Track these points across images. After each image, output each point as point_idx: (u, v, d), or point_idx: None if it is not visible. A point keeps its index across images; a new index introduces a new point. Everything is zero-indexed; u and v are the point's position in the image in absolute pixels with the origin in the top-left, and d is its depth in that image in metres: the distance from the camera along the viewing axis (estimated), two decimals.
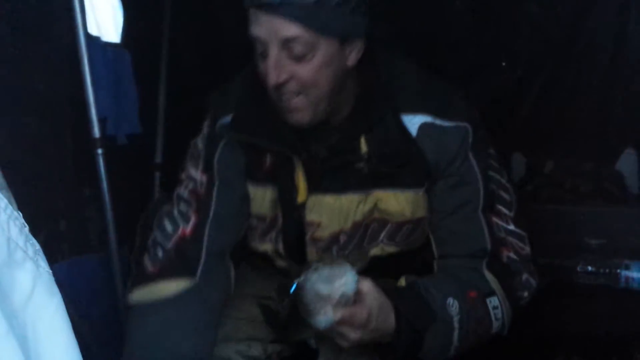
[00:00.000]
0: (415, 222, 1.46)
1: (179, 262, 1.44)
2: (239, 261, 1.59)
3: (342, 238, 1.47)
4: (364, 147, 1.40)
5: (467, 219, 1.42)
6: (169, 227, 1.48)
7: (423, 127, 1.38)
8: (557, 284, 2.25)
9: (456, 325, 1.33)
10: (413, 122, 1.39)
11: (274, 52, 1.28)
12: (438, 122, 1.38)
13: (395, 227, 1.46)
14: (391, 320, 1.27)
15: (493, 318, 1.37)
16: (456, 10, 2.74)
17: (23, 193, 0.85)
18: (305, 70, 1.30)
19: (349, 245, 1.49)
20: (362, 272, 1.37)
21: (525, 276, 1.44)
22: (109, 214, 1.99)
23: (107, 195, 1.98)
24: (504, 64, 2.65)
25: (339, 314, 1.22)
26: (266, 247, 1.54)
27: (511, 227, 1.44)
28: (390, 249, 1.48)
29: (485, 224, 1.42)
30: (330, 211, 1.45)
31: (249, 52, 1.44)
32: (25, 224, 0.71)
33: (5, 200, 0.69)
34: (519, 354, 2.13)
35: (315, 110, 1.35)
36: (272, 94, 1.33)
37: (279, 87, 1.30)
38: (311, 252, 1.50)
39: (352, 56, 1.35)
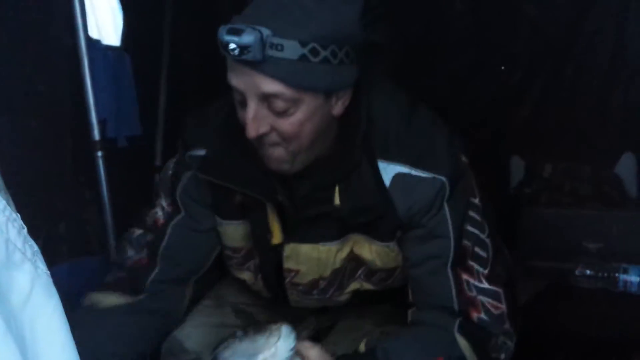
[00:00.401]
0: (388, 271, 1.43)
1: (128, 282, 1.47)
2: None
3: (322, 284, 1.45)
4: (337, 199, 1.33)
5: (435, 273, 1.34)
6: (130, 252, 1.51)
7: (396, 178, 1.31)
8: (556, 287, 2.25)
9: None
10: (387, 171, 1.32)
11: (253, 105, 1.21)
12: (414, 172, 1.31)
13: (369, 271, 1.43)
14: None
15: None
16: (456, 12, 2.75)
17: (23, 195, 0.86)
18: (286, 124, 1.23)
19: (330, 290, 1.47)
20: (343, 305, 1.47)
21: (501, 338, 1.36)
22: (109, 217, 1.99)
23: (106, 197, 1.99)
24: (503, 67, 2.66)
25: None
26: (245, 276, 1.52)
27: (484, 284, 1.35)
28: (368, 286, 1.45)
29: (452, 281, 1.34)
30: (308, 260, 1.42)
31: None
32: (24, 226, 0.72)
33: (4, 202, 0.70)
34: (517, 357, 2.13)
35: (295, 159, 1.29)
36: (251, 141, 1.26)
37: (258, 138, 1.24)
38: (292, 294, 1.49)
39: (338, 106, 1.28)
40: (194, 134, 1.44)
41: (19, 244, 0.69)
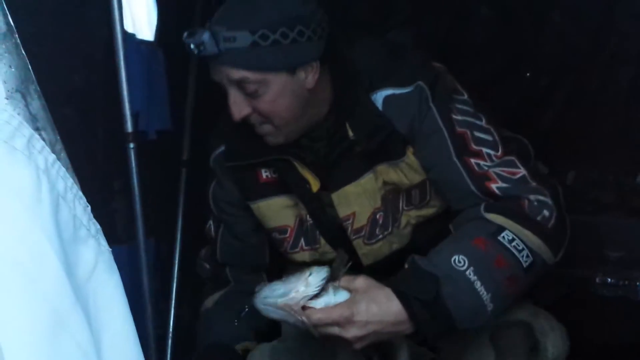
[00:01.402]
0: (418, 186, 1.54)
1: (214, 285, 1.72)
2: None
3: (379, 217, 1.55)
4: (350, 133, 1.50)
5: (445, 167, 1.47)
6: (205, 266, 1.76)
7: (386, 101, 1.49)
8: (576, 295, 2.25)
9: (472, 277, 1.29)
10: (377, 98, 1.50)
11: (230, 92, 1.43)
12: (397, 91, 1.49)
13: (406, 193, 1.54)
14: (394, 306, 1.25)
15: (516, 253, 1.32)
16: (481, 18, 2.76)
17: None
18: (262, 104, 1.43)
19: (388, 222, 1.55)
20: (406, 249, 1.52)
21: (532, 197, 1.39)
22: (138, 207, 2.02)
23: (137, 188, 2.02)
24: (528, 73, 2.66)
25: (314, 317, 1.22)
26: (304, 257, 1.61)
27: (495, 161, 1.44)
28: (414, 212, 1.55)
29: (462, 168, 1.44)
30: (357, 197, 1.53)
31: None
32: (88, 204, 0.75)
33: (71, 180, 0.73)
34: None
35: (286, 132, 1.50)
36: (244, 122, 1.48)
37: (244, 120, 1.46)
38: (360, 248, 1.56)
39: (309, 79, 1.46)
40: (211, 138, 1.69)
41: (85, 221, 0.72)
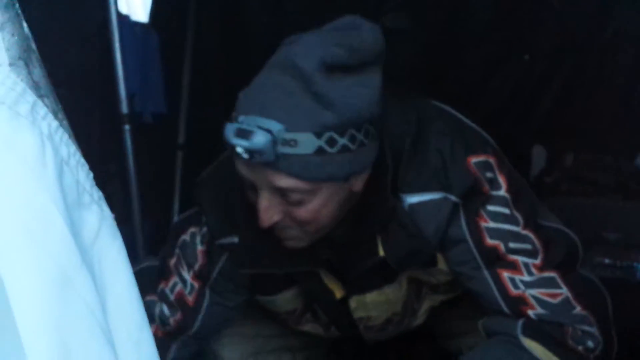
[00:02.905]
0: (447, 285, 1.39)
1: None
2: None
3: (396, 318, 1.45)
4: (381, 250, 1.26)
5: (472, 279, 1.26)
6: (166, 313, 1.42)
7: (411, 207, 1.23)
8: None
9: None
10: (407, 202, 1.23)
11: (265, 196, 1.12)
12: (424, 197, 1.22)
13: (433, 286, 1.41)
14: None
15: None
16: (480, 2, 2.75)
17: None
18: (302, 213, 1.13)
19: (404, 320, 1.45)
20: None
21: (577, 327, 1.19)
22: (134, 189, 2.01)
23: (132, 170, 2.01)
24: (526, 56, 2.66)
25: None
26: (308, 328, 1.51)
27: (534, 276, 1.21)
28: (439, 298, 1.43)
29: (492, 283, 1.23)
30: (378, 305, 1.39)
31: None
32: (91, 172, 0.74)
33: (74, 147, 0.72)
34: None
35: (312, 237, 1.21)
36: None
37: (276, 227, 1.16)
38: (367, 334, 1.49)
39: (358, 183, 1.17)
40: (218, 225, 1.33)
41: (88, 187, 0.71)
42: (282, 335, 1.59)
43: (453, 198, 1.21)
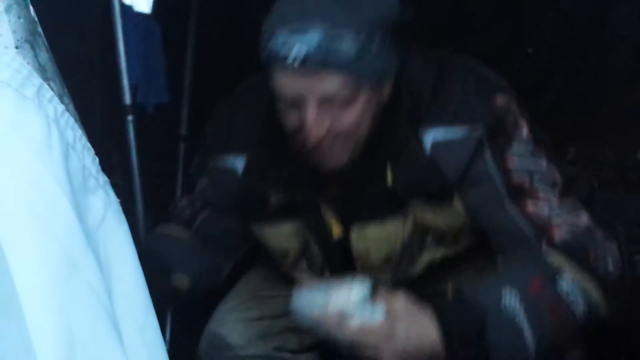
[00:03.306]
0: (455, 232, 1.37)
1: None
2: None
3: (394, 259, 1.40)
4: (389, 179, 1.29)
5: (498, 213, 1.27)
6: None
7: (435, 146, 1.26)
8: None
9: (521, 323, 1.15)
10: (425, 140, 1.27)
11: (312, 109, 1.16)
12: (448, 135, 1.26)
13: (439, 236, 1.38)
14: (433, 337, 1.15)
15: (571, 303, 1.17)
16: None
17: None
18: (345, 120, 1.19)
19: (402, 262, 1.41)
20: (418, 280, 1.39)
21: (599, 247, 1.22)
22: (137, 181, 2.01)
23: (135, 161, 2.00)
24: (529, 50, 2.66)
25: (352, 335, 1.15)
26: (299, 275, 1.49)
27: (558, 205, 1.25)
28: (440, 252, 1.40)
29: (519, 216, 1.25)
30: (377, 240, 1.37)
31: None
32: (96, 157, 0.74)
33: (80, 131, 0.72)
34: None
35: (351, 153, 1.26)
36: (299, 143, 1.22)
37: (317, 141, 1.20)
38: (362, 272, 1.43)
39: (385, 91, 1.25)
40: (220, 143, 1.40)
41: (93, 172, 0.71)
42: (286, 315, 1.56)
43: (478, 135, 1.24)
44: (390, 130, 1.27)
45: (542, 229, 1.23)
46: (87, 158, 0.70)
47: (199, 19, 2.51)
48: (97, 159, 0.73)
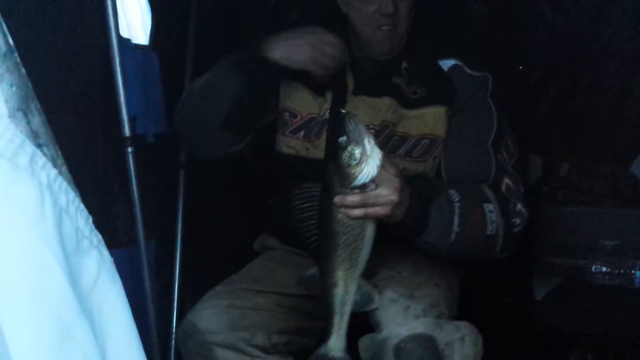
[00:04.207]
0: (432, 139, 1.71)
1: None
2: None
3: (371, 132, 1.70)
4: (404, 64, 1.73)
5: (478, 147, 1.68)
6: None
7: (453, 68, 1.72)
8: (572, 284, 2.29)
9: (456, 209, 1.54)
10: (446, 64, 1.74)
11: None
12: (465, 69, 1.72)
13: (414, 142, 1.72)
14: (405, 197, 1.45)
15: (488, 220, 1.57)
16: (475, 13, 2.78)
17: None
18: (405, 4, 1.67)
19: (382, 133, 1.72)
20: None
21: (519, 205, 1.64)
22: (138, 210, 2.04)
23: (136, 192, 2.04)
24: (520, 67, 2.69)
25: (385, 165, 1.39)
26: (294, 143, 1.79)
27: (510, 169, 1.68)
28: (405, 164, 1.70)
29: (493, 156, 1.66)
30: (366, 107, 1.73)
31: None
32: (90, 216, 0.78)
33: (73, 193, 0.76)
34: (534, 351, 2.18)
35: (398, 41, 1.71)
36: (369, 29, 1.69)
37: (391, 16, 1.65)
38: None
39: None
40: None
41: (87, 233, 0.75)
42: (256, 309, 1.66)
43: (487, 75, 1.74)
44: (410, 46, 1.75)
45: (500, 173, 1.65)
46: (80, 220, 0.74)
47: (196, 49, 2.55)
48: (90, 218, 0.77)
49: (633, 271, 2.20)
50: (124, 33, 2.18)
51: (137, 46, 2.27)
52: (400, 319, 1.54)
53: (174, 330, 2.30)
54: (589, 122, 2.51)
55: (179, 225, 2.40)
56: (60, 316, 0.62)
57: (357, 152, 1.33)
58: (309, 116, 1.78)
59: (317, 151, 1.76)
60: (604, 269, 2.24)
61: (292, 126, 1.79)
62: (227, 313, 1.68)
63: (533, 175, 2.59)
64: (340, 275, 1.42)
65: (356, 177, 1.34)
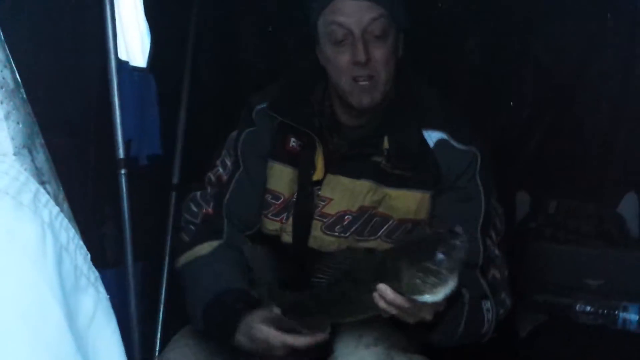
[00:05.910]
0: (415, 223, 1.61)
1: (207, 231, 1.71)
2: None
3: (347, 219, 1.61)
4: (385, 144, 1.59)
5: (466, 235, 1.41)
6: (194, 208, 1.76)
7: (439, 143, 1.58)
8: (556, 322, 2.31)
9: (465, 312, 1.46)
10: (432, 137, 1.59)
11: (358, 34, 1.52)
12: (452, 142, 1.58)
13: (396, 224, 1.61)
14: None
15: (485, 320, 1.53)
16: (465, 51, 2.83)
17: None
18: (380, 52, 1.53)
19: (352, 228, 1.62)
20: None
21: (503, 295, 1.59)
22: (128, 232, 2.05)
23: (127, 214, 2.05)
24: (511, 103, 2.73)
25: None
26: (275, 225, 1.68)
27: (496, 252, 1.61)
28: (385, 246, 1.59)
29: (481, 243, 1.57)
30: (343, 191, 1.61)
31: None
32: (88, 253, 0.79)
33: (73, 230, 0.77)
34: None
35: (378, 94, 1.56)
36: (345, 81, 1.56)
37: (364, 64, 1.52)
38: (315, 227, 1.63)
39: (399, 48, 1.60)
40: (257, 96, 1.74)
41: (85, 270, 0.76)
42: (225, 350, 1.63)
43: (476, 152, 1.59)
44: (395, 111, 1.62)
45: (488, 263, 1.58)
46: (79, 257, 0.75)
47: (193, 73, 2.58)
48: (89, 256, 0.78)
49: (617, 312, 2.22)
50: (123, 55, 2.20)
51: (135, 68, 2.28)
52: (352, 348, 1.51)
53: (157, 353, 2.29)
54: (577, 161, 2.54)
55: (168, 247, 2.40)
56: (56, 354, 0.63)
57: (443, 276, 1.20)
58: (290, 197, 1.67)
59: (285, 235, 1.67)
60: (588, 308, 2.26)
61: (276, 209, 1.68)
62: (194, 355, 1.66)
63: (521, 212, 2.62)
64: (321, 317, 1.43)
65: (422, 294, 1.22)
